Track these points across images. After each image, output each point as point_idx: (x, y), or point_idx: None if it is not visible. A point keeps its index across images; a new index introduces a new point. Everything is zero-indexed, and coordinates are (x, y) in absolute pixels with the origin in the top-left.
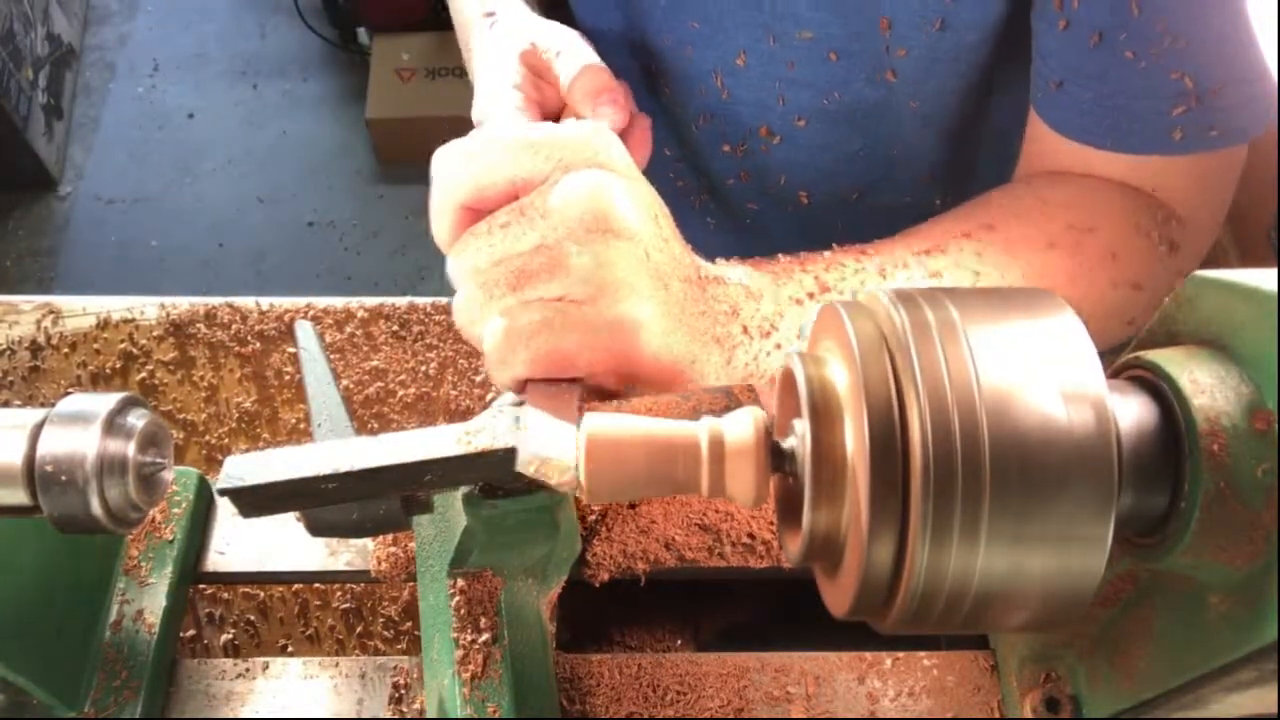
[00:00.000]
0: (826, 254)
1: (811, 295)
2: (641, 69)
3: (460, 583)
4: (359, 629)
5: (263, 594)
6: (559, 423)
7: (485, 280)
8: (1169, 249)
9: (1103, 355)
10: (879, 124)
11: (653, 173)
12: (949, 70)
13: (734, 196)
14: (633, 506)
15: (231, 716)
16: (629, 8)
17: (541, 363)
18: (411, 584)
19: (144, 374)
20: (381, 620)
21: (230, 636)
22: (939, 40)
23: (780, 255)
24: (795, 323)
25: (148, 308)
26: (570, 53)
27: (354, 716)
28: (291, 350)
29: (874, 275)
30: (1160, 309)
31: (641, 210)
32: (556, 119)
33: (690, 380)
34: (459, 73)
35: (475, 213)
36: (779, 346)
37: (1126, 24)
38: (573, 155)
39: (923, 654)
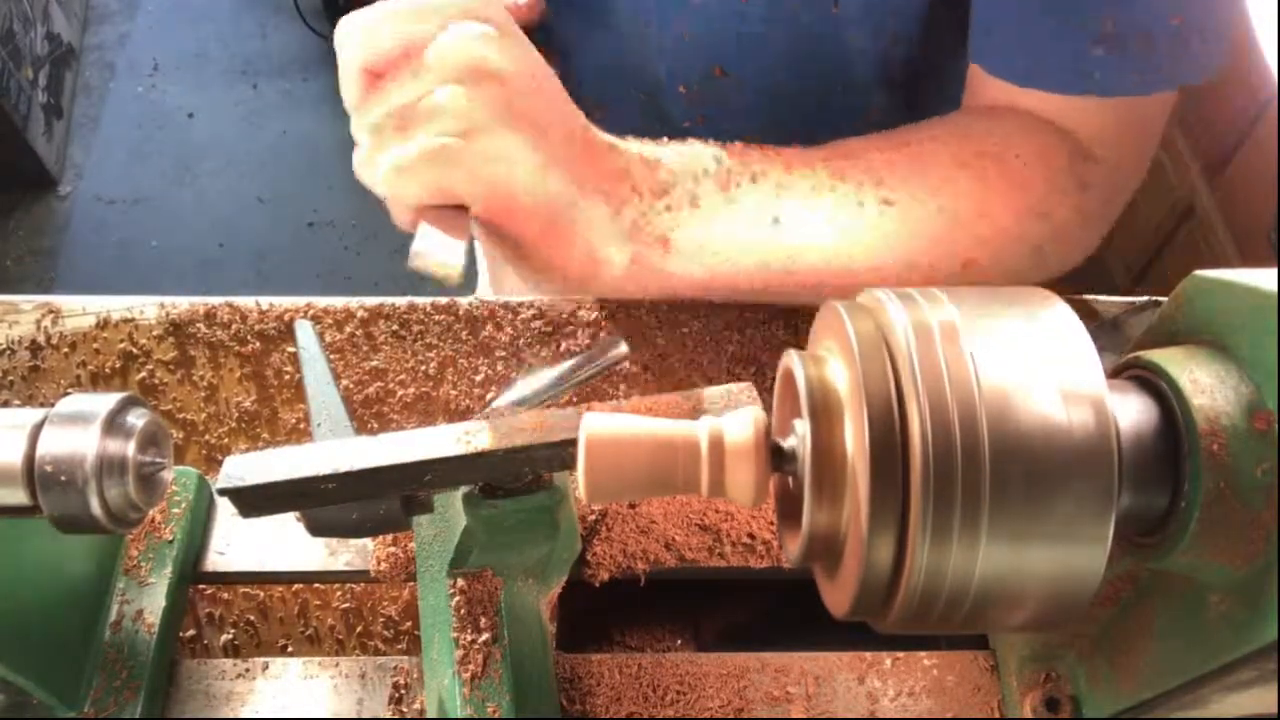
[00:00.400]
0: (738, 144)
1: (709, 173)
2: (598, 15)
3: (460, 583)
4: (359, 629)
5: (263, 594)
6: (448, 237)
7: (378, 130)
8: (1079, 187)
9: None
10: (826, 61)
11: (616, 119)
12: (891, 7)
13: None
14: (633, 506)
15: (231, 716)
16: None
17: (428, 193)
18: (411, 584)
19: (144, 374)
20: (381, 620)
21: (230, 636)
22: None
23: (692, 139)
24: (690, 191)
25: (148, 308)
26: None
27: (354, 716)
28: (291, 350)
29: (778, 169)
30: (1160, 309)
31: (513, 60)
32: None
33: (570, 225)
34: None
35: (376, 76)
36: (669, 209)
37: None
38: (455, 15)
39: (923, 654)
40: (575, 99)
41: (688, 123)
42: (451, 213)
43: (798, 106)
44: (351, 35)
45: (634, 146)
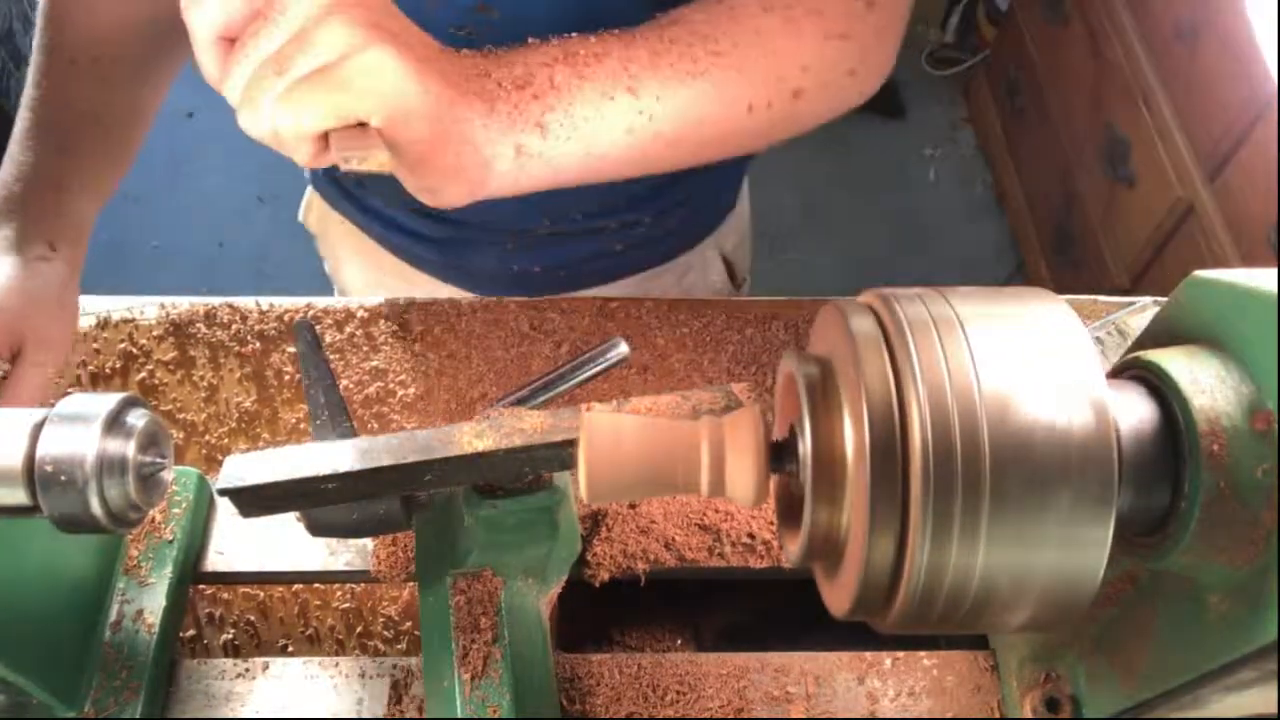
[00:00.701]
0: (570, 36)
1: (557, 60)
2: None
3: (460, 583)
4: (359, 629)
5: (263, 594)
6: (364, 138)
7: (256, 82)
8: (866, 5)
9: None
10: None
11: None
12: None
13: None
14: (633, 506)
15: (231, 716)
16: None
17: (323, 118)
18: (411, 584)
19: (144, 374)
20: (381, 620)
21: (230, 636)
22: None
23: (529, 38)
24: (548, 77)
25: (148, 308)
26: None
27: (354, 716)
28: (291, 350)
29: (616, 44)
30: (1160, 309)
31: None
32: None
33: (455, 126)
34: None
35: (226, 43)
36: (535, 98)
37: None
38: None
39: (923, 654)
40: None
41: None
42: (355, 130)
43: (568, 28)
44: (194, 6)
45: (479, 53)
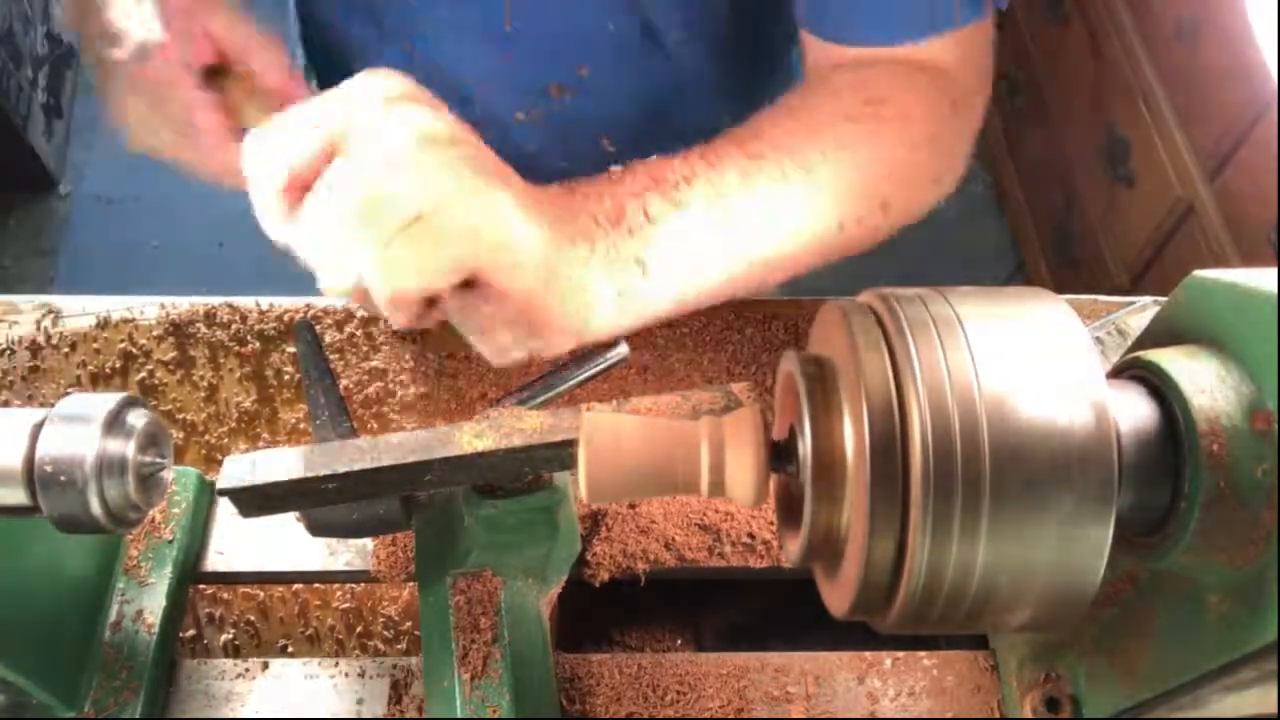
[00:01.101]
0: (653, 159)
1: (648, 188)
2: (408, 67)
3: (460, 583)
4: (359, 629)
5: (263, 594)
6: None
7: (338, 233)
8: (952, 110)
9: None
10: (649, 56)
11: None
12: (696, 2)
13: (541, 162)
14: (633, 506)
15: (231, 716)
16: (374, 11)
17: (432, 279)
18: (411, 584)
19: (144, 374)
20: (381, 620)
21: (230, 636)
22: None
23: (613, 168)
24: (641, 209)
25: (148, 308)
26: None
27: (354, 716)
28: (291, 350)
29: (702, 166)
30: (1160, 309)
31: (448, 123)
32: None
33: (558, 273)
34: None
35: (296, 191)
36: (630, 232)
37: None
38: (363, 100)
39: (923, 654)
40: None
41: (532, 146)
42: (464, 290)
43: (640, 103)
44: (263, 150)
45: (565, 187)
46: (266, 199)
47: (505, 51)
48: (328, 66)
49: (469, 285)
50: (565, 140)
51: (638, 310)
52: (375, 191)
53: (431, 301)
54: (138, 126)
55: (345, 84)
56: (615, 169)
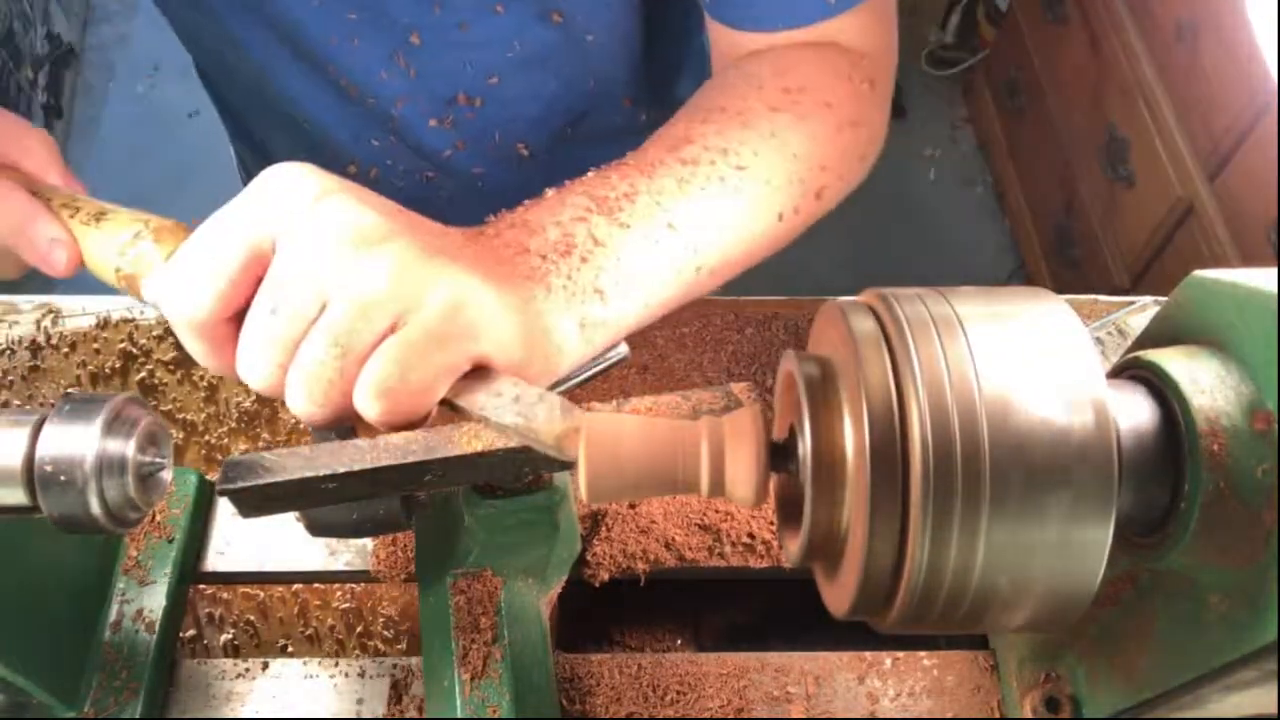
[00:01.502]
0: (588, 175)
1: (590, 210)
2: (315, 81)
3: (460, 583)
4: (359, 629)
5: (263, 594)
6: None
7: (305, 368)
8: (869, 85)
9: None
10: (566, 62)
11: (380, 179)
12: (616, 2)
13: (457, 166)
14: (633, 506)
15: (231, 716)
16: (276, 26)
17: (429, 390)
18: (411, 584)
19: (144, 374)
20: (381, 620)
21: (230, 636)
22: None
23: (547, 190)
24: (588, 234)
25: (148, 308)
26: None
27: (354, 716)
28: None
29: (640, 178)
30: (1160, 309)
31: (381, 206)
32: None
33: (534, 324)
34: None
35: (231, 323)
36: (584, 260)
37: None
38: (285, 204)
39: (923, 654)
40: (340, 173)
41: (448, 152)
42: (472, 379)
43: (554, 107)
44: (176, 294)
45: (501, 224)
46: (194, 341)
47: (410, 66)
48: (229, 90)
49: (470, 377)
50: (479, 145)
51: (602, 337)
52: (334, 306)
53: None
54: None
55: (251, 189)
56: (550, 191)
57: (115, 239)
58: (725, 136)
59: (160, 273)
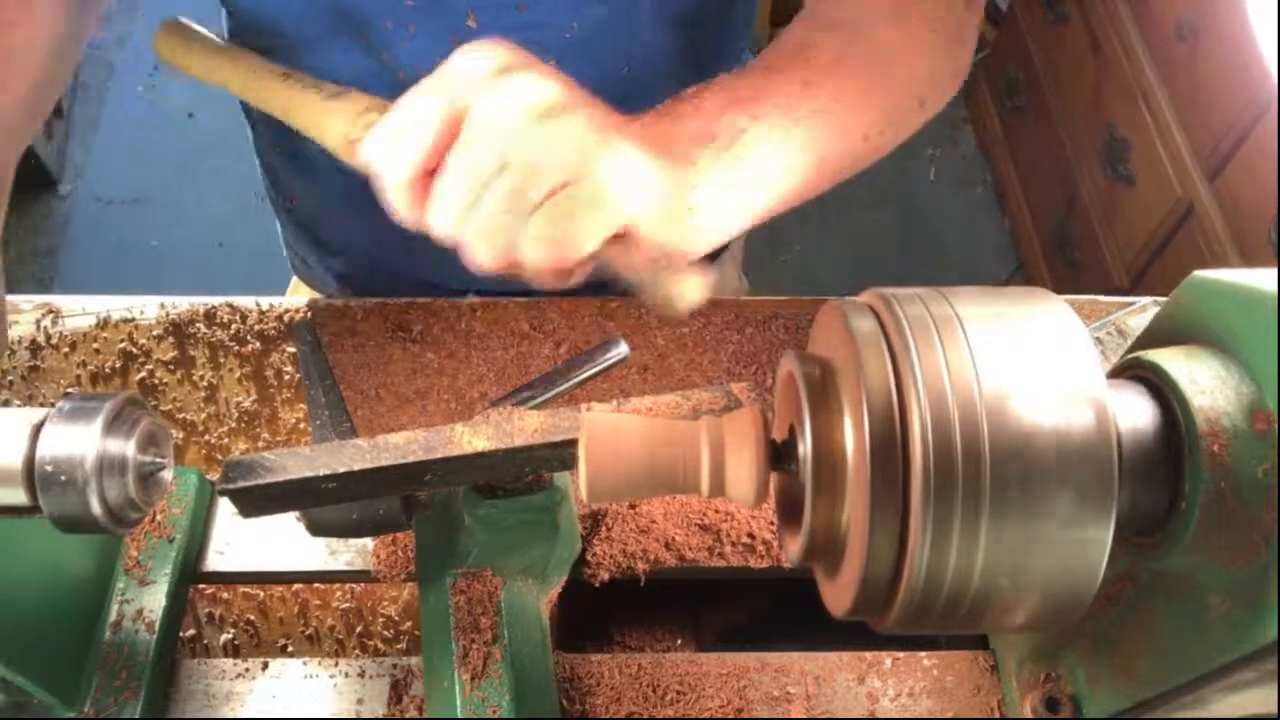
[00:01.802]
0: (722, 76)
1: (727, 108)
2: (373, 67)
3: (460, 583)
4: (359, 629)
5: (263, 594)
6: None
7: (480, 212)
8: (966, 4)
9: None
10: (618, 40)
11: None
12: None
13: None
14: (633, 506)
15: (231, 716)
16: (333, 14)
17: (590, 242)
18: (411, 584)
19: (144, 374)
20: (381, 620)
21: (230, 636)
22: None
23: (687, 89)
24: (730, 128)
25: (147, 307)
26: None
27: (354, 716)
28: (291, 350)
29: (765, 76)
30: (1160, 309)
31: (564, 85)
32: None
33: (681, 201)
34: None
35: (427, 178)
36: (726, 146)
37: None
38: (474, 78)
39: (923, 654)
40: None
41: None
42: (621, 246)
43: (603, 87)
44: (383, 148)
45: (655, 112)
46: (398, 193)
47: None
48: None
49: (617, 238)
50: None
51: (742, 218)
52: (508, 179)
53: (585, 261)
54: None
55: (448, 64)
56: (689, 90)
57: (349, 111)
58: (847, 44)
59: (374, 136)
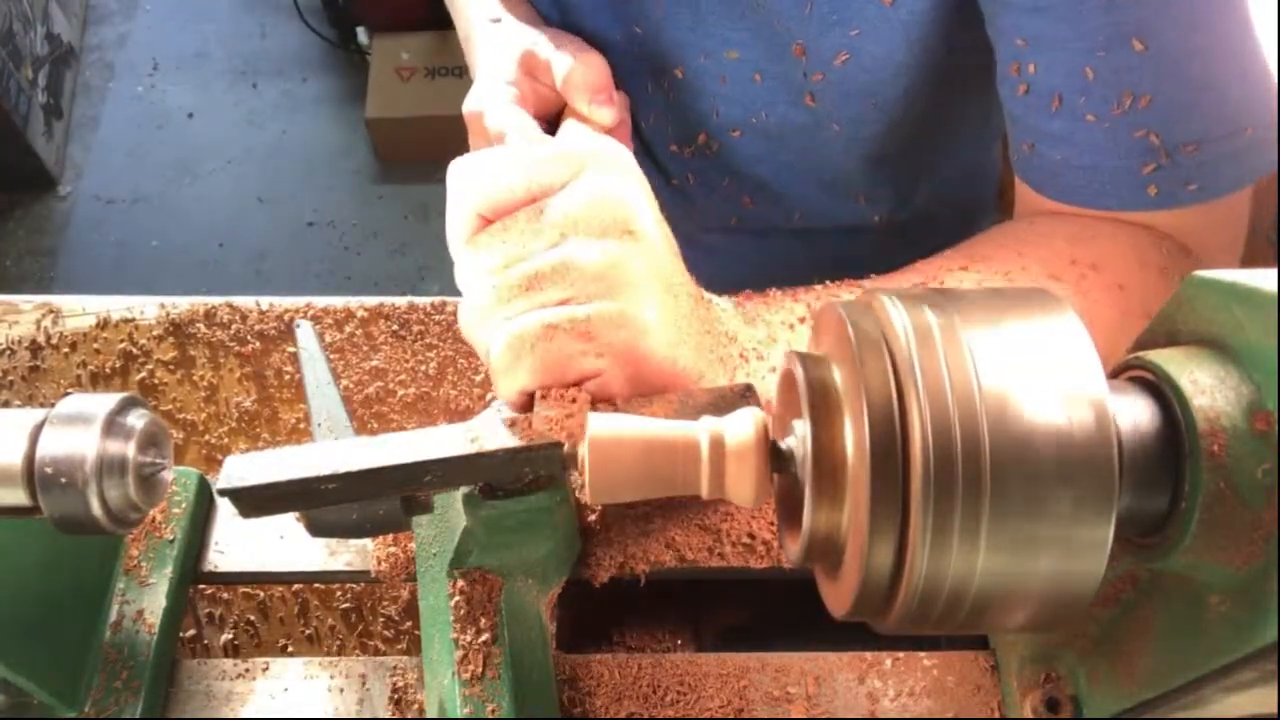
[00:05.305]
0: (818, 287)
1: (803, 320)
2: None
3: (460, 583)
4: (359, 629)
5: (263, 594)
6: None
7: (497, 282)
8: (1160, 274)
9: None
10: (806, 144)
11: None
12: (864, 100)
13: (680, 195)
14: (632, 506)
15: (231, 716)
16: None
17: (545, 371)
18: (411, 584)
19: (144, 374)
20: (381, 620)
21: (230, 636)
22: (848, 71)
23: (771, 289)
24: (786, 347)
25: (148, 307)
26: (567, 49)
27: (354, 716)
28: (291, 350)
29: None
30: (1160, 309)
31: (656, 217)
32: (554, 122)
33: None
34: (459, 72)
35: (490, 221)
36: (773, 370)
37: (1084, 87)
38: (590, 163)
39: (923, 654)
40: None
41: (675, 180)
42: (566, 404)
43: (784, 178)
44: (473, 174)
45: (724, 301)
46: (461, 214)
47: (670, 94)
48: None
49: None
50: (706, 184)
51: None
52: (541, 262)
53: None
54: None
55: (581, 138)
56: (773, 291)
57: None
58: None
59: (476, 154)
